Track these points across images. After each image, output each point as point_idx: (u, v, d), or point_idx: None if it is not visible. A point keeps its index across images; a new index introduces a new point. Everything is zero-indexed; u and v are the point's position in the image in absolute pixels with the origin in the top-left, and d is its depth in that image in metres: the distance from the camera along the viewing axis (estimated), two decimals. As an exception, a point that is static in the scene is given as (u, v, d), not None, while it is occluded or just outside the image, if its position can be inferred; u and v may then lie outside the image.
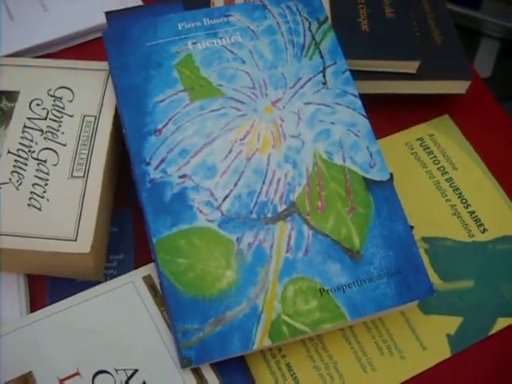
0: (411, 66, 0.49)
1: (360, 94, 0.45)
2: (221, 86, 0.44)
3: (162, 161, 0.41)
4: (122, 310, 0.40)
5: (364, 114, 0.44)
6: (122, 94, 0.43)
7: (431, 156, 0.51)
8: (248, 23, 0.46)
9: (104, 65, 0.45)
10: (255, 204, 0.41)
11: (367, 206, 0.41)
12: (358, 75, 0.48)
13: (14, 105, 0.44)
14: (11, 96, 0.44)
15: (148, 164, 0.41)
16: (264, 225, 0.40)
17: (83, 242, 0.39)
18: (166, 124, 0.42)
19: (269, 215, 0.41)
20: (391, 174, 0.44)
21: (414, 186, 0.49)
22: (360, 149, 0.43)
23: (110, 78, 0.45)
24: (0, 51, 0.50)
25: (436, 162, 0.50)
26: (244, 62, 0.45)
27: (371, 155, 0.43)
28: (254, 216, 0.40)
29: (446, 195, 0.49)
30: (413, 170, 0.50)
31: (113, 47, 0.44)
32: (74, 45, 0.54)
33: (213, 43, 0.45)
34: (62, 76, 0.45)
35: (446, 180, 0.50)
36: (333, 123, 0.44)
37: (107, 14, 0.47)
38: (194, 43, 0.45)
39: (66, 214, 0.40)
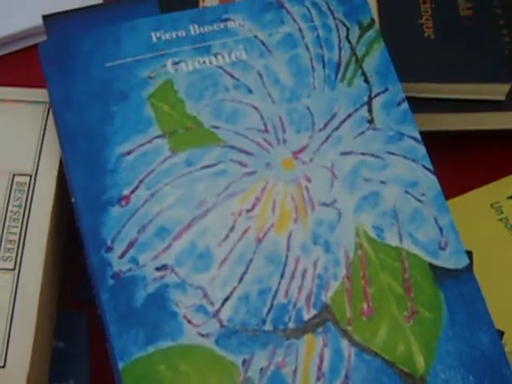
0: (499, 91, 0.50)
1: (421, 134, 0.46)
2: (216, 128, 0.44)
3: (131, 244, 0.41)
4: None
5: (430, 166, 0.45)
6: (68, 142, 0.43)
7: (530, 222, 0.51)
8: (256, 31, 0.47)
9: (43, 94, 0.45)
10: (270, 309, 0.41)
11: (436, 307, 0.42)
12: (417, 106, 0.48)
13: None
14: None
15: (110, 249, 0.41)
16: (284, 340, 0.40)
17: (15, 369, 0.39)
18: (136, 188, 0.42)
19: (290, 325, 0.41)
20: (470, 256, 0.45)
21: (504, 271, 0.49)
22: (424, 221, 0.44)
23: (50, 116, 0.45)
24: None
25: (537, 230, 0.51)
26: (251, 91, 0.45)
27: (441, 230, 0.43)
28: (268, 327, 0.40)
29: (554, 282, 0.49)
30: (503, 245, 0.50)
31: (54, 69, 0.44)
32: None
33: (204, 63, 0.46)
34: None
35: (553, 259, 0.50)
36: (384, 183, 0.44)
37: (46, 18, 0.47)
38: (175, 63, 0.45)
39: (-12, 328, 0.40)
